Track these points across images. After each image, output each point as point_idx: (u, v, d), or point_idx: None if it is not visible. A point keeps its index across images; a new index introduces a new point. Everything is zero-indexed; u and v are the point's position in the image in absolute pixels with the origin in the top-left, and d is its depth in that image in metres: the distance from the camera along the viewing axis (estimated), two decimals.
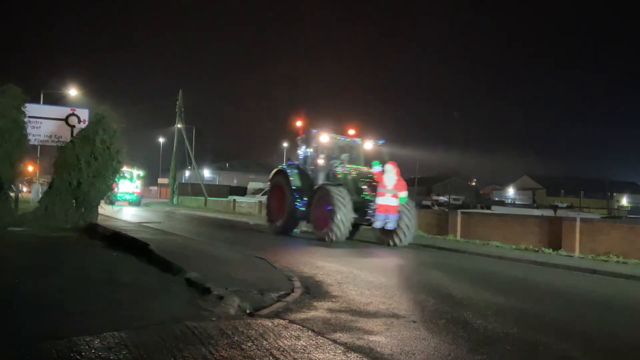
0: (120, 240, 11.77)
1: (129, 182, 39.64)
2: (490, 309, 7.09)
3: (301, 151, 18.58)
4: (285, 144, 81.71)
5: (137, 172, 42.21)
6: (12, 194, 15.30)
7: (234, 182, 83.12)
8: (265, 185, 50.00)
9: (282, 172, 18.26)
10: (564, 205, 56.74)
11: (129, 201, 40.12)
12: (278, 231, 17.75)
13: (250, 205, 34.96)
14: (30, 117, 15.34)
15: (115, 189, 36.05)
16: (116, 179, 36.02)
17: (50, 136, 16.79)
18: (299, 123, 18.94)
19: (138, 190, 41.39)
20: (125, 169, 39.44)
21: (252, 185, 52.55)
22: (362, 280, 9.06)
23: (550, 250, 15.14)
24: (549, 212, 30.78)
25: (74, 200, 14.82)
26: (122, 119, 16.20)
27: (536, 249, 15.45)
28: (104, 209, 16.49)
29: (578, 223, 15.29)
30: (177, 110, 50.51)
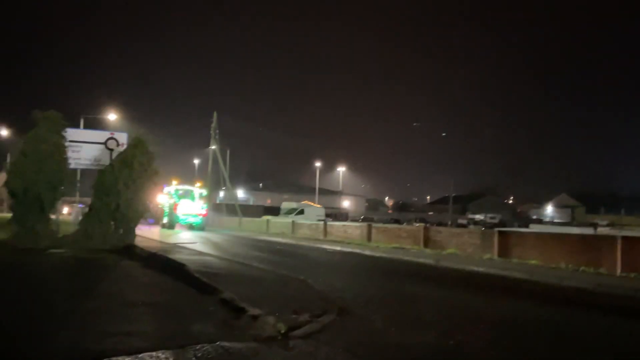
0: (157, 261, 11.96)
1: (190, 202, 33.96)
2: None
3: None
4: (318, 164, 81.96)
5: (200, 191, 36.02)
6: (53, 217, 15.73)
7: (268, 203, 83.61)
8: (298, 205, 49.96)
9: None
10: (604, 223, 55.11)
11: (193, 225, 33.46)
12: None
13: (284, 225, 35.03)
14: (70, 141, 15.81)
15: (177, 211, 32.92)
16: (177, 200, 33.12)
17: (90, 160, 17.24)
18: None
19: (203, 212, 34.62)
20: (186, 187, 35.83)
21: (285, 205, 52.64)
22: None
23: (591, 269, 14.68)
24: (588, 230, 30.00)
25: (112, 222, 15.13)
26: (158, 141, 16.51)
27: (576, 268, 15.01)
28: (140, 229, 16.75)
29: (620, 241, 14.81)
30: (211, 132, 51.31)
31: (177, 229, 32.50)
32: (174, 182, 35.08)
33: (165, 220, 33.76)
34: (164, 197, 34.25)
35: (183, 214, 33.12)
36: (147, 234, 22.18)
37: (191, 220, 33.45)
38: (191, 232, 30.50)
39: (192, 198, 34.65)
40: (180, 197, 33.99)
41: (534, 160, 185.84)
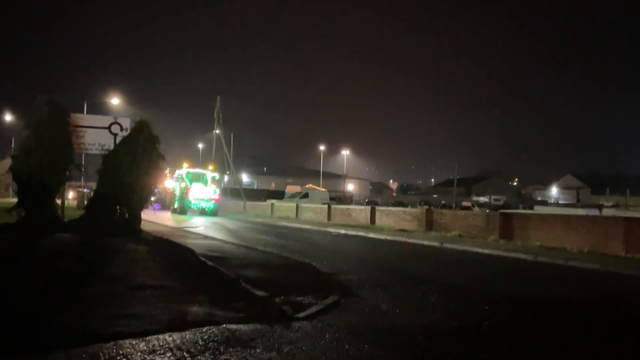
0: (163, 245, 12.03)
1: (203, 186, 32.60)
2: None
3: None
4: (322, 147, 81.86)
5: (212, 174, 34.61)
6: (58, 201, 15.76)
7: (272, 186, 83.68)
8: (302, 188, 49.98)
9: None
10: (610, 204, 54.95)
11: (206, 210, 32.06)
12: None
13: (288, 209, 35.05)
14: (74, 126, 15.80)
15: (188, 195, 31.41)
16: (189, 183, 32.35)
17: (94, 145, 17.21)
18: None
19: (216, 197, 32.89)
20: (197, 170, 34.34)
21: (289, 189, 52.78)
22: None
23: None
24: (593, 212, 29.90)
25: (117, 207, 15.16)
26: (162, 126, 16.48)
27: (581, 249, 15.01)
28: (147, 214, 16.77)
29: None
30: (215, 116, 51.09)
31: (189, 214, 31.43)
32: (185, 165, 33.89)
33: (176, 205, 32.80)
34: (172, 181, 33.83)
35: (195, 198, 31.69)
36: (154, 219, 22.26)
37: (203, 205, 31.99)
38: (202, 217, 29.53)
39: (205, 182, 33.34)
40: (192, 180, 32.67)
41: (539, 141, 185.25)
